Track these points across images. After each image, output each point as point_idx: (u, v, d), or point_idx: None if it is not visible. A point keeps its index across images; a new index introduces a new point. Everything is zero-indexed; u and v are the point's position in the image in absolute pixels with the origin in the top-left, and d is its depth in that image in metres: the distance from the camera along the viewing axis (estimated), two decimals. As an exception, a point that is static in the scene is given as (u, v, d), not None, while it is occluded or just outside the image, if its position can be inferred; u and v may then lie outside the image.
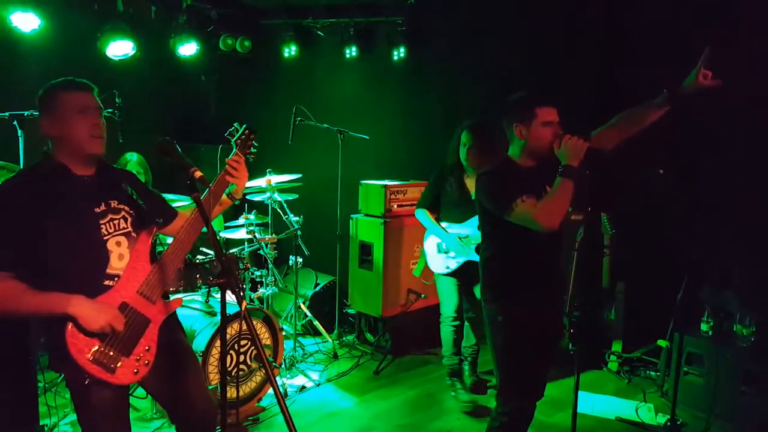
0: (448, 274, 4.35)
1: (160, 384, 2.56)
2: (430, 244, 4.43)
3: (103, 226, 2.35)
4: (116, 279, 2.35)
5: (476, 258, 4.00)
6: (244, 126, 2.79)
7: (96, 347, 2.24)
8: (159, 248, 3.15)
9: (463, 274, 4.31)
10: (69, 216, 2.27)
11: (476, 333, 4.57)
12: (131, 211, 2.47)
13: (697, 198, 4.08)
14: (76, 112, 2.32)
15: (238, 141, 2.75)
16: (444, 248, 4.31)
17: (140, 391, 3.92)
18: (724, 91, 2.55)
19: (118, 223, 2.40)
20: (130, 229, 2.43)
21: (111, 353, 2.27)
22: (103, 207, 2.38)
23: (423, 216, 4.42)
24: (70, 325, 2.21)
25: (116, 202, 2.43)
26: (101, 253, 2.33)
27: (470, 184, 4.22)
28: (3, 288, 2.15)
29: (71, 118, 2.31)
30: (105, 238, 2.35)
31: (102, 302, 2.26)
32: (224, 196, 2.75)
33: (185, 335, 2.74)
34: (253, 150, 2.78)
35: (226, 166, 2.66)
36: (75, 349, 2.21)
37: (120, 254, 2.38)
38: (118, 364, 2.29)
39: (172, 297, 2.56)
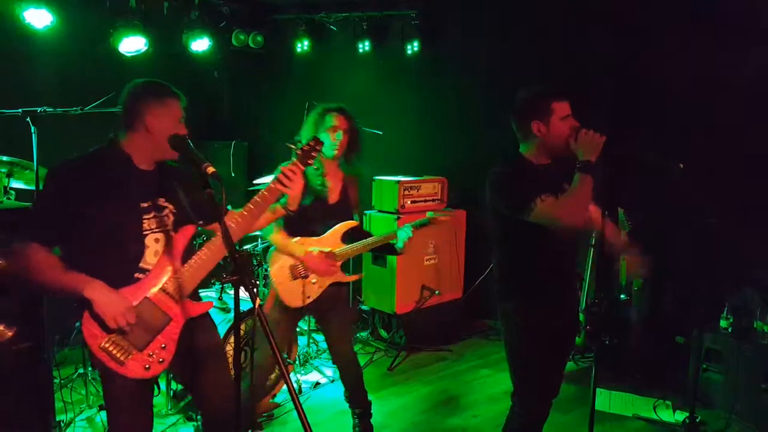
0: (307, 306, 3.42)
1: (187, 379, 2.68)
2: (281, 269, 3.38)
3: (145, 221, 2.38)
4: (146, 273, 2.37)
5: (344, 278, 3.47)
6: (313, 136, 2.70)
7: (109, 336, 2.27)
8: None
9: (323, 305, 3.46)
10: (117, 207, 2.31)
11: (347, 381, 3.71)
12: (175, 210, 2.48)
13: (717, 193, 4.01)
14: (179, 121, 2.42)
15: (300, 151, 2.60)
16: (303, 273, 3.39)
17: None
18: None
19: (161, 220, 2.42)
20: (170, 227, 2.45)
21: (123, 344, 2.29)
22: (149, 203, 2.40)
23: (275, 235, 3.36)
24: (87, 311, 2.26)
25: (164, 200, 2.45)
26: (138, 247, 2.36)
27: (331, 184, 3.41)
28: (37, 258, 2.23)
29: (177, 126, 2.40)
30: (145, 233, 2.37)
31: (122, 294, 2.28)
32: (278, 206, 2.70)
33: (219, 337, 2.75)
34: (316, 163, 2.68)
35: (279, 174, 2.54)
36: (88, 334, 2.27)
37: (155, 251, 2.40)
38: (129, 357, 2.30)
39: (205, 299, 2.54)
